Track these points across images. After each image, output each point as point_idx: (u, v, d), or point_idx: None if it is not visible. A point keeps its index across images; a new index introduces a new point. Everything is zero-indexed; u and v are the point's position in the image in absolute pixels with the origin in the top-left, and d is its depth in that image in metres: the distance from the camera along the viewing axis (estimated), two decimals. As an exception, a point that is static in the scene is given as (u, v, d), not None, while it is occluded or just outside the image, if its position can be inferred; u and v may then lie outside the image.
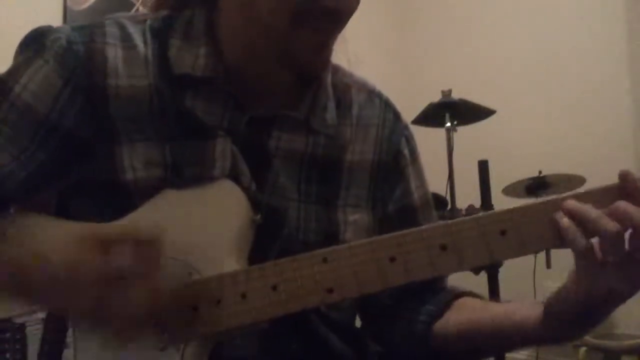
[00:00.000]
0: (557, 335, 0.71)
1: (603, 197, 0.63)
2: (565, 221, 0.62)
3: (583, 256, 0.63)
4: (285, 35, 0.73)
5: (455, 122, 2.63)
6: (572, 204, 0.63)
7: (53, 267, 0.64)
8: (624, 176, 0.62)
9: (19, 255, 0.69)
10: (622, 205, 0.60)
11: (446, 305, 0.84)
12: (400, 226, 0.68)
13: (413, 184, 0.91)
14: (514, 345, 0.78)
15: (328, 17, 0.73)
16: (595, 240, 0.62)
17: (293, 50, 0.75)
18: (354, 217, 0.84)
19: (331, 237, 0.81)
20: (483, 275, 2.27)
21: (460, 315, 0.82)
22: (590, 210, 0.61)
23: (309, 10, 0.71)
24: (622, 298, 0.64)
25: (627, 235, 0.61)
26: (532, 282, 2.81)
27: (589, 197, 0.63)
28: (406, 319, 0.85)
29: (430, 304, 0.84)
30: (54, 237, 0.71)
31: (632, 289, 0.63)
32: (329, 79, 0.86)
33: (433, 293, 0.86)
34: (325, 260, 0.66)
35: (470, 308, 0.83)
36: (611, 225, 0.60)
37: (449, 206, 2.54)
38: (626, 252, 0.61)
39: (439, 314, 0.83)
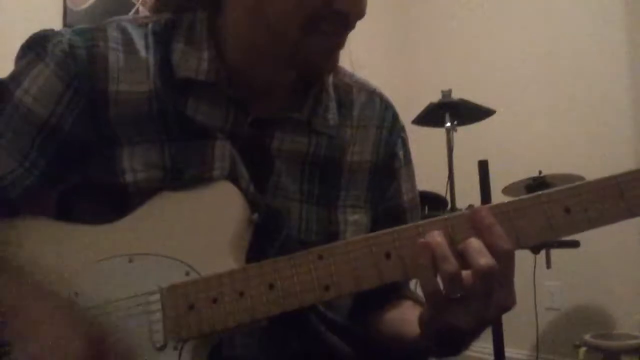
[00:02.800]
0: (434, 351, 0.73)
1: (466, 223, 0.64)
2: (423, 258, 0.63)
3: (431, 294, 0.64)
4: (296, 40, 0.73)
5: (455, 122, 2.64)
6: (430, 237, 0.63)
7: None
8: (472, 212, 0.64)
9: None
10: (467, 242, 0.62)
11: (385, 303, 0.87)
12: (387, 227, 0.68)
13: (404, 187, 0.92)
14: (410, 353, 0.79)
15: (340, 22, 0.73)
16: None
17: (303, 54, 0.74)
18: (353, 218, 0.85)
19: (332, 237, 0.81)
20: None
21: (391, 316, 0.85)
22: (441, 248, 0.62)
23: (321, 16, 0.71)
24: (466, 334, 0.65)
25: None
26: (532, 282, 2.81)
27: (456, 221, 0.64)
28: (360, 316, 0.87)
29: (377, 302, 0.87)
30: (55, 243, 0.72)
31: (473, 326, 0.63)
32: (330, 79, 0.86)
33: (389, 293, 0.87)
34: (321, 257, 0.67)
35: (394, 310, 0.86)
36: (451, 266, 0.61)
37: (449, 206, 2.55)
38: (467, 290, 0.61)
39: (376, 309, 0.86)
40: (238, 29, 0.78)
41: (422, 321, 0.70)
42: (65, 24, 2.72)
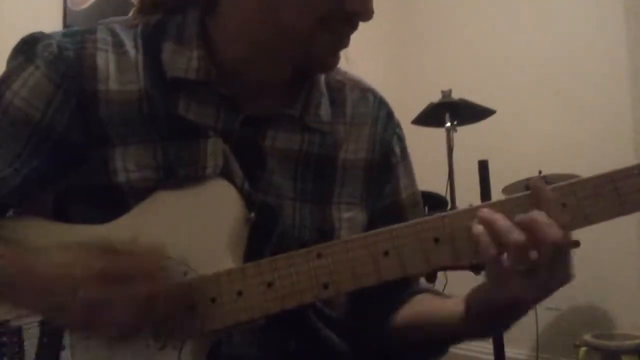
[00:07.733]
0: (478, 331, 0.75)
1: (517, 206, 0.65)
2: (479, 230, 0.64)
3: (492, 265, 0.65)
4: (307, 37, 0.74)
5: (455, 122, 2.64)
6: (485, 213, 0.65)
7: (47, 265, 0.65)
8: (535, 187, 0.65)
9: (11, 255, 0.69)
10: (533, 215, 0.63)
11: (402, 301, 0.87)
12: (387, 224, 0.68)
13: (402, 183, 0.91)
14: (447, 339, 0.81)
15: (351, 21, 0.75)
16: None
17: (313, 51, 0.76)
18: (348, 215, 0.84)
19: (326, 235, 0.81)
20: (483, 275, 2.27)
21: (410, 310, 0.86)
22: (501, 220, 0.64)
23: (335, 14, 0.73)
24: (529, 305, 0.67)
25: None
26: (532, 282, 2.81)
27: (504, 205, 0.65)
28: (374, 318, 0.87)
29: (392, 302, 0.87)
30: (52, 241, 0.71)
31: (537, 296, 0.66)
32: (322, 76, 0.86)
33: (401, 291, 0.88)
34: (319, 255, 0.67)
35: (420, 303, 0.87)
36: (518, 236, 0.62)
37: (449, 206, 2.54)
38: (531, 262, 0.63)
39: (396, 308, 0.86)
40: (242, 26, 0.77)
41: (472, 300, 0.72)
42: (65, 24, 2.72)
